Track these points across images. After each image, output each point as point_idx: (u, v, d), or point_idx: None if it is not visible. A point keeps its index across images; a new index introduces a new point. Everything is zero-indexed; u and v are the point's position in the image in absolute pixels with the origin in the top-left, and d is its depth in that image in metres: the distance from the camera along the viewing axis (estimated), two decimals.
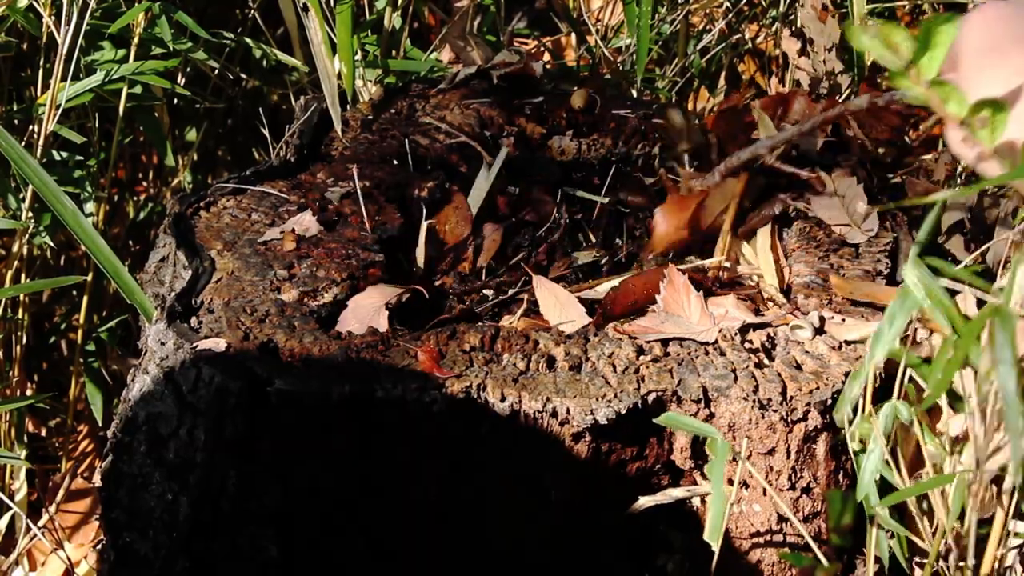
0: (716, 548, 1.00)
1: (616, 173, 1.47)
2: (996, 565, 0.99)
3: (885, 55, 0.90)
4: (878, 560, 1.03)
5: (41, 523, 1.70)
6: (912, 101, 0.91)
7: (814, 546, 1.06)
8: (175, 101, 1.92)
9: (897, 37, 0.89)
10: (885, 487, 1.00)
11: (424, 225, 1.30)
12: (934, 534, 1.00)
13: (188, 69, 1.83)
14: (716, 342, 1.12)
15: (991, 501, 0.97)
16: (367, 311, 1.15)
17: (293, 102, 1.78)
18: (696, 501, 1.11)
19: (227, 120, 2.06)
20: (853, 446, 1.02)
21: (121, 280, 1.20)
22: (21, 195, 1.54)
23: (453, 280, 1.30)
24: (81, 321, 1.75)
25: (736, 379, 1.08)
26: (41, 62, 1.58)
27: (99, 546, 1.66)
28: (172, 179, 2.02)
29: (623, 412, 1.05)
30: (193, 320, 1.14)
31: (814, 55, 1.71)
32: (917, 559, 1.07)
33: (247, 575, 1.11)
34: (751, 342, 1.13)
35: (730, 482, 1.09)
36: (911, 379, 0.99)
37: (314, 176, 1.38)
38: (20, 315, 1.68)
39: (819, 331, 1.14)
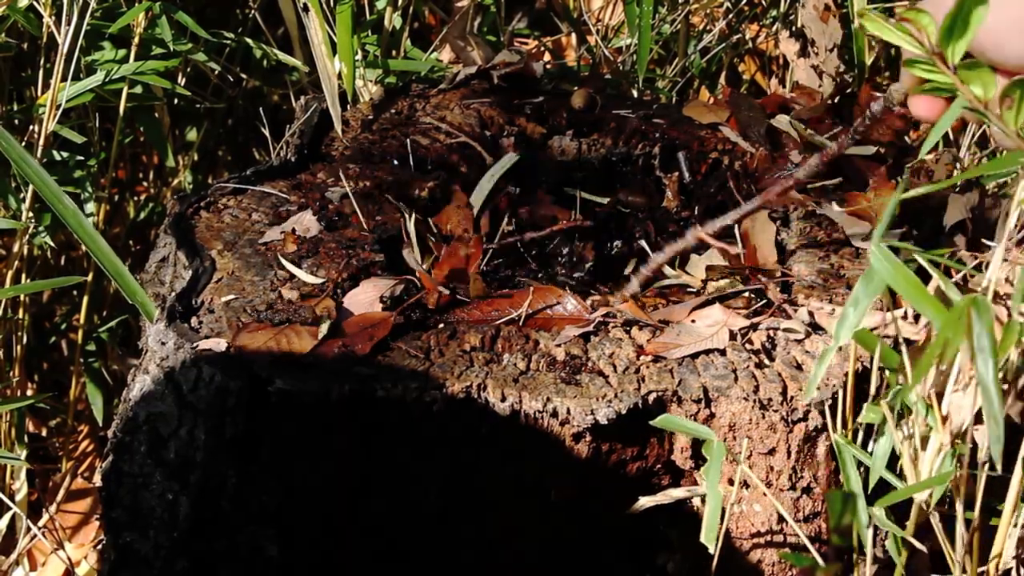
0: (712, 549, 1.00)
1: (616, 173, 1.48)
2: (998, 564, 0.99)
3: (908, 41, 0.89)
4: (879, 560, 1.03)
5: (41, 523, 1.70)
6: (940, 86, 0.89)
7: (811, 547, 1.06)
8: (175, 101, 1.92)
9: (923, 21, 0.87)
10: (882, 486, 1.00)
11: (411, 225, 1.28)
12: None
13: (188, 69, 1.83)
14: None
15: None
16: (363, 307, 1.15)
17: (293, 102, 1.78)
18: (696, 501, 1.11)
19: (227, 120, 2.06)
20: (836, 437, 1.02)
21: (122, 280, 1.20)
22: (21, 195, 1.54)
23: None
24: (81, 321, 1.75)
25: (736, 379, 1.08)
26: (41, 62, 1.58)
27: (99, 546, 1.67)
28: (172, 179, 2.03)
29: (623, 412, 1.05)
30: (193, 320, 1.14)
31: (815, 55, 1.71)
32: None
33: (247, 575, 1.11)
34: (751, 342, 1.13)
35: (730, 482, 1.09)
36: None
37: (314, 176, 1.38)
38: (20, 315, 1.68)
39: (814, 328, 1.14)
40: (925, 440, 0.96)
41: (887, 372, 0.99)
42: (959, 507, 0.97)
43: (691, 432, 1.05)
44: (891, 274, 0.87)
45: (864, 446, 1.04)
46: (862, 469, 1.01)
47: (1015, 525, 0.99)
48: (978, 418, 0.94)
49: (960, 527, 0.97)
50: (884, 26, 0.91)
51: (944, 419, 0.95)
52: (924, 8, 0.89)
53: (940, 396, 0.96)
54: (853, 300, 0.90)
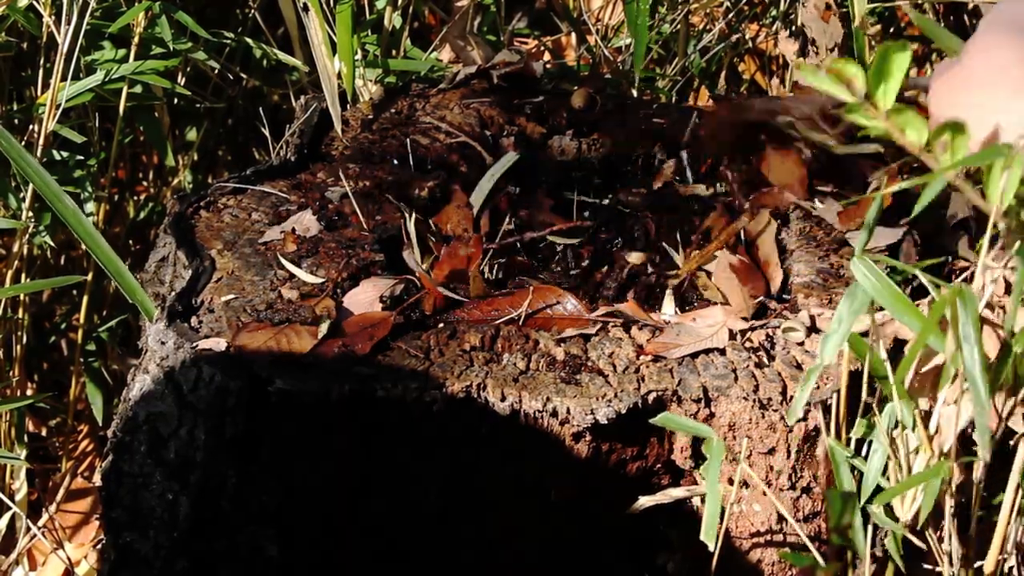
0: (712, 547, 1.00)
1: (616, 173, 1.48)
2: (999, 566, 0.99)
3: (838, 91, 0.91)
4: (878, 558, 1.03)
5: (41, 523, 1.70)
6: (872, 133, 0.91)
7: (811, 546, 1.07)
8: (175, 101, 1.92)
9: (850, 71, 0.90)
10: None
11: (411, 225, 1.28)
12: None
13: (188, 69, 1.83)
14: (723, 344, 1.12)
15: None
16: (363, 307, 1.15)
17: (293, 102, 1.78)
18: (696, 501, 1.11)
19: (227, 120, 2.06)
20: (830, 441, 1.02)
21: (122, 279, 1.20)
22: (21, 195, 1.54)
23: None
24: (81, 321, 1.75)
25: (736, 379, 1.08)
26: (41, 62, 1.59)
27: (99, 546, 1.67)
28: (172, 179, 2.03)
29: (623, 412, 1.05)
30: (193, 320, 1.14)
31: (815, 55, 1.71)
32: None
33: (247, 575, 1.11)
34: (751, 341, 1.13)
35: (730, 482, 1.09)
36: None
37: (314, 176, 1.38)
38: (20, 315, 1.68)
39: (813, 330, 1.14)
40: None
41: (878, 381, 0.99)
42: (948, 523, 0.97)
43: (691, 430, 1.05)
44: (875, 287, 0.89)
45: (865, 442, 1.04)
46: (856, 472, 1.01)
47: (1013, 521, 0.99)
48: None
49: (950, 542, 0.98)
50: (818, 76, 0.93)
51: (931, 438, 0.95)
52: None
53: (930, 414, 0.96)
54: (837, 318, 0.91)
